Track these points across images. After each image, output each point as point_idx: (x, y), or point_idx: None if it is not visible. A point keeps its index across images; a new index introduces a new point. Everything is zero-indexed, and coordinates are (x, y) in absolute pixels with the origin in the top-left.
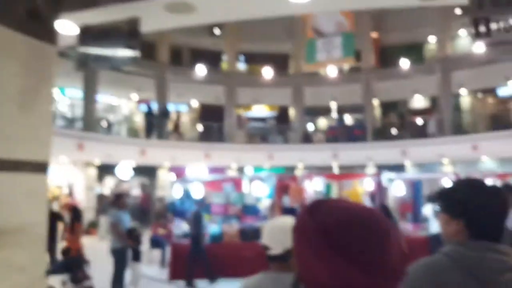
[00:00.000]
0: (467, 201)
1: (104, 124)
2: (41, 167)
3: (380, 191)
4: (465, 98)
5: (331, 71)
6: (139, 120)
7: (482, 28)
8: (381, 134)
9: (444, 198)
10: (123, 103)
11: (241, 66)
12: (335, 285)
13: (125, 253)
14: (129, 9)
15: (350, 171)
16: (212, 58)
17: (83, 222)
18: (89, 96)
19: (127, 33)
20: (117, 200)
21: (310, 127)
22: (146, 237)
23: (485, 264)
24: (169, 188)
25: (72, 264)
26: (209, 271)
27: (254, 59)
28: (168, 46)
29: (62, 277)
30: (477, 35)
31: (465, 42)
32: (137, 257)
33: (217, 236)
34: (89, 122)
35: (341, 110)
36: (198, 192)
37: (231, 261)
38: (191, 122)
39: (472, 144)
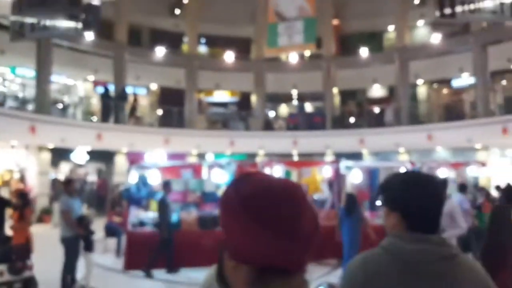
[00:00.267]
0: (402, 194)
1: (58, 106)
2: None
3: (338, 178)
4: (422, 88)
5: (293, 57)
6: (96, 102)
7: (447, 10)
8: (340, 122)
9: (383, 191)
10: (79, 84)
11: (203, 49)
12: (254, 251)
13: (75, 242)
14: None
15: (309, 159)
16: (173, 40)
17: (33, 209)
18: (43, 76)
19: (67, 1)
20: (67, 186)
21: (271, 114)
22: (101, 225)
23: (419, 255)
24: (126, 174)
25: (12, 253)
26: (172, 262)
27: (216, 43)
28: (127, 25)
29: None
30: (441, 16)
31: (423, 32)
32: (89, 247)
33: (175, 224)
34: (42, 103)
35: (301, 98)
36: (155, 179)
37: (189, 250)
38: (150, 106)
39: (427, 134)
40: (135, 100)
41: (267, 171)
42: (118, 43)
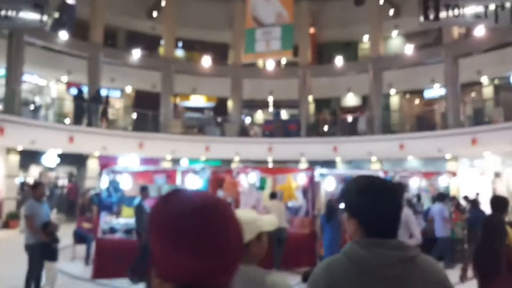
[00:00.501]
0: (357, 201)
1: (29, 107)
2: None
3: (312, 186)
4: (394, 98)
5: (270, 64)
6: (69, 104)
7: (431, 14)
8: (314, 130)
9: (342, 198)
10: (51, 85)
11: (180, 53)
12: (173, 270)
13: (40, 249)
14: None
15: (284, 166)
16: (149, 43)
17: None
18: (13, 76)
19: None
20: (34, 190)
21: (247, 120)
22: (71, 231)
23: (376, 259)
24: (99, 179)
25: None
26: (143, 271)
27: (193, 47)
28: (103, 26)
29: None
30: (425, 19)
31: (397, 43)
32: (51, 255)
33: None
34: (12, 104)
35: (277, 105)
36: (127, 184)
37: None
38: (125, 109)
39: (399, 143)
40: (107, 102)
41: (242, 177)
42: (93, 43)
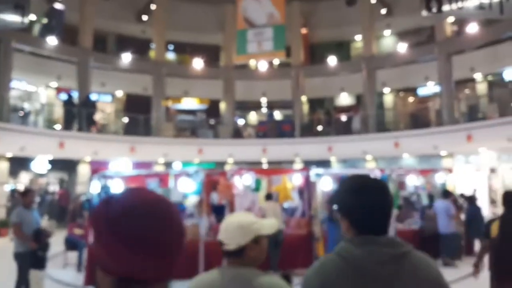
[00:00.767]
0: (346, 201)
1: (18, 113)
2: None
3: (308, 186)
4: (388, 97)
5: (262, 65)
6: (59, 110)
7: (434, 7)
8: (308, 130)
9: (334, 200)
10: (41, 91)
11: (171, 55)
12: (111, 264)
13: (29, 258)
14: None
15: (279, 167)
16: (140, 46)
17: None
18: (1, 82)
19: None
20: (24, 197)
21: (240, 121)
22: (63, 237)
23: (368, 257)
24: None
25: None
26: None
27: (184, 49)
28: (92, 31)
29: None
30: (428, 11)
31: (390, 42)
32: (38, 264)
33: None
34: (0, 110)
35: (270, 106)
36: (118, 189)
37: None
38: (116, 113)
39: (394, 141)
40: (95, 106)
41: (236, 179)
42: (83, 48)
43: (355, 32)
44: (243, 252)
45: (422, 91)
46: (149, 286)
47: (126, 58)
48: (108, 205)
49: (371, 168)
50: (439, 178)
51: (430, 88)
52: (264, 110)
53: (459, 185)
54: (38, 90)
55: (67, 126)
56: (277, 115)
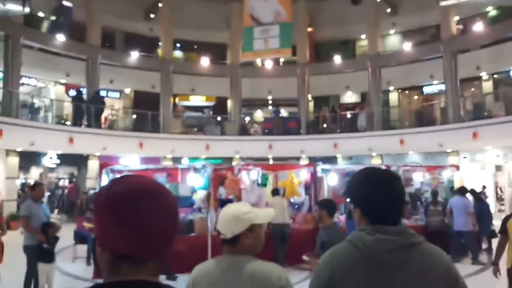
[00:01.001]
0: (359, 191)
1: (27, 109)
2: None
3: (315, 181)
4: (393, 95)
5: (268, 63)
6: (68, 106)
7: None
8: (314, 128)
9: (347, 190)
10: (50, 87)
11: (178, 53)
12: (107, 241)
13: (36, 251)
14: None
15: (285, 163)
16: (147, 44)
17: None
18: (10, 78)
19: None
20: (32, 190)
21: (247, 119)
22: (72, 231)
23: (377, 245)
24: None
25: None
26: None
27: (191, 47)
28: (100, 28)
29: None
30: None
31: (395, 40)
32: (47, 257)
33: None
34: (10, 106)
35: (276, 103)
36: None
37: None
38: (124, 109)
39: (399, 139)
40: (103, 103)
41: (244, 174)
42: (91, 45)
43: (360, 31)
44: (238, 241)
45: (427, 89)
46: (140, 263)
47: (134, 55)
48: (108, 187)
49: (377, 165)
50: (447, 175)
51: (435, 86)
52: (270, 108)
53: (466, 182)
54: (47, 86)
55: (76, 121)
56: (283, 112)
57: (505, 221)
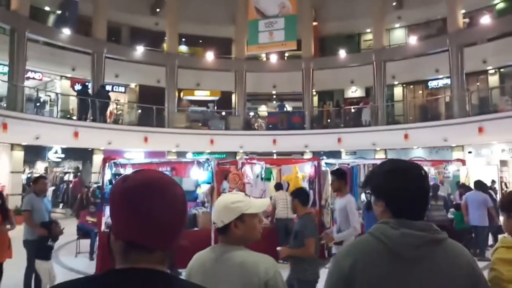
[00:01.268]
0: (384, 183)
1: (33, 103)
2: None
3: (319, 176)
4: (398, 89)
5: (273, 57)
6: (73, 100)
7: None
8: (318, 122)
9: (369, 181)
10: (56, 81)
11: (183, 48)
12: (119, 230)
13: (35, 246)
14: None
15: (289, 158)
16: (153, 38)
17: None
18: (16, 72)
19: None
20: (35, 184)
21: (251, 113)
22: (74, 226)
23: (402, 239)
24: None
25: None
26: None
27: (196, 42)
28: (106, 22)
29: None
30: None
31: (400, 34)
32: (44, 254)
33: None
34: (15, 100)
35: (281, 98)
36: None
37: None
38: (129, 104)
39: (404, 133)
40: (108, 97)
41: (247, 168)
42: (97, 40)
43: (365, 25)
44: (228, 230)
45: (432, 83)
46: (149, 252)
47: (140, 50)
48: (124, 180)
49: (381, 159)
50: (453, 170)
51: (440, 80)
52: (274, 102)
53: (473, 176)
54: (53, 80)
55: (81, 116)
56: (287, 107)
57: None
